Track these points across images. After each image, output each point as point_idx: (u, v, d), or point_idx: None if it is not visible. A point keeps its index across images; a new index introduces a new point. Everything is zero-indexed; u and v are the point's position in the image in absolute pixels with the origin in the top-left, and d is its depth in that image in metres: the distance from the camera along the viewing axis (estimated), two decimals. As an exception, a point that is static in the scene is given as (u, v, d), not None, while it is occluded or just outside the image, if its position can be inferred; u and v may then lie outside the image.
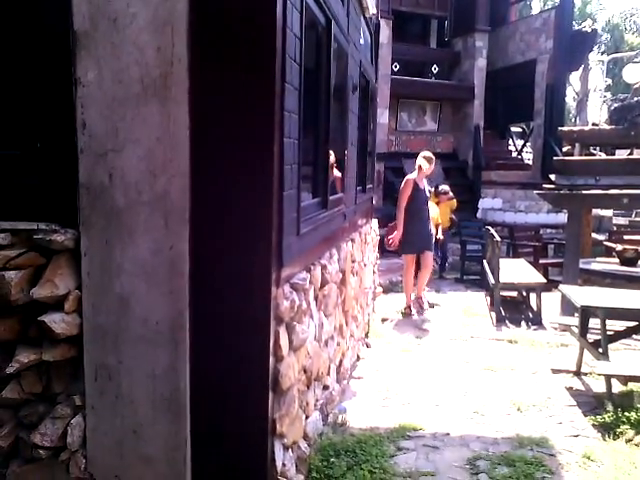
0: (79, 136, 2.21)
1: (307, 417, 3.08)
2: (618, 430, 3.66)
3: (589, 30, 13.64)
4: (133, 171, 2.21)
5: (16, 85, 2.31)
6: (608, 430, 3.72)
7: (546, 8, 19.34)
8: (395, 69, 13.72)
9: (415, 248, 6.92)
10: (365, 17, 5.45)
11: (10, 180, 2.30)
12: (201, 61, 2.20)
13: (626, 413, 3.81)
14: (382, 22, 9.01)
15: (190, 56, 2.18)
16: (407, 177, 7.01)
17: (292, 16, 2.43)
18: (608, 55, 22.63)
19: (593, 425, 3.85)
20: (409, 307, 7.00)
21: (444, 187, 9.48)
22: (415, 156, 7.24)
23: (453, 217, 9.79)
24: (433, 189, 8.85)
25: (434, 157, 7.03)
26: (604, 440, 3.61)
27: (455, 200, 9.70)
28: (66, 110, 2.21)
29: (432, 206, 7.90)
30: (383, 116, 12.60)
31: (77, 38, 2.16)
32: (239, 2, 2.20)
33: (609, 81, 20.55)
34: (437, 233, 8.06)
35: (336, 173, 4.24)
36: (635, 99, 7.36)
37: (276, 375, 2.42)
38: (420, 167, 6.89)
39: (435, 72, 15.09)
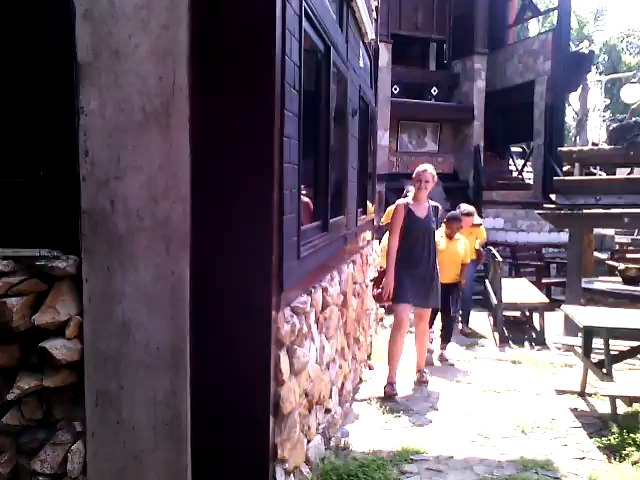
0: (81, 164, 2.24)
1: (309, 441, 3.06)
2: (624, 452, 3.63)
3: (586, 51, 13.85)
4: (135, 198, 2.24)
5: (20, 114, 2.35)
6: (614, 452, 3.68)
7: (543, 30, 19.56)
8: (395, 92, 13.87)
9: (407, 297, 4.89)
10: (364, 42, 5.54)
11: (13, 207, 2.33)
12: (201, 89, 2.24)
13: (631, 434, 3.77)
14: (381, 46, 9.15)
15: (191, 84, 2.22)
16: (397, 202, 5.11)
17: (291, 45, 2.48)
18: (606, 75, 22.84)
19: (598, 447, 3.81)
20: (391, 384, 4.87)
21: (467, 207, 6.85)
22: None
23: (481, 250, 7.20)
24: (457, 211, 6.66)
25: (432, 171, 4.99)
26: (610, 462, 3.57)
27: (483, 228, 7.19)
28: (69, 138, 2.24)
29: (460, 239, 6.19)
30: (384, 138, 12.72)
31: (80, 68, 2.21)
32: (238, 32, 2.25)
33: (608, 101, 20.72)
34: (461, 274, 6.10)
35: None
36: (633, 119, 7.43)
37: (277, 400, 2.42)
38: (418, 187, 4.93)
39: (435, 94, 15.24)
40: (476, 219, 7.03)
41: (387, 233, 5.39)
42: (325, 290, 3.45)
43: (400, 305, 4.91)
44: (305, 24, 2.75)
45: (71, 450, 2.26)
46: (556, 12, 14.52)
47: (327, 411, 3.61)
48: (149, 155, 2.22)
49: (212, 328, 2.31)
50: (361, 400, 4.70)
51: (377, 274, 5.20)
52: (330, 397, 3.69)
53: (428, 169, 4.97)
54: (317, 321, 3.29)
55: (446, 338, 6.14)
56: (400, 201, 5.08)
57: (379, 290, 4.90)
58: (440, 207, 5.24)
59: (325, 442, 3.47)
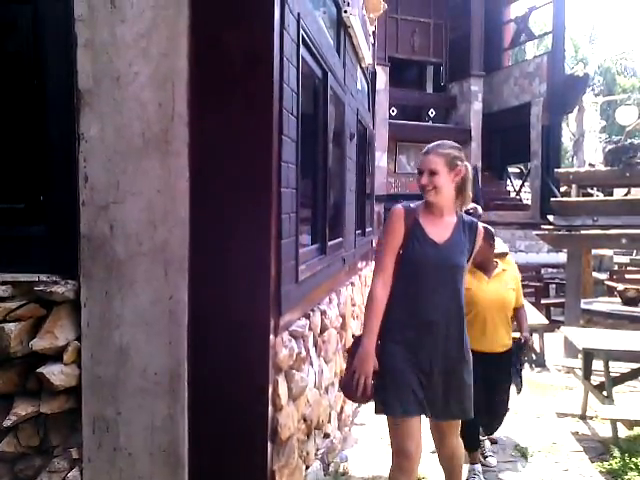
0: (81, 189, 2.26)
1: (307, 467, 3.03)
2: (626, 477, 3.58)
3: (581, 74, 14.01)
4: (134, 222, 2.25)
5: (22, 140, 2.37)
6: (616, 477, 3.64)
7: (539, 53, 19.84)
8: (393, 114, 14.03)
9: (401, 403, 2.37)
10: (361, 66, 5.61)
11: (14, 232, 2.34)
12: (200, 116, 2.27)
13: (633, 459, 3.73)
14: (379, 69, 9.28)
15: (190, 111, 2.25)
16: (394, 207, 2.54)
17: (289, 72, 2.52)
18: (602, 97, 23.10)
19: (600, 472, 3.77)
20: None
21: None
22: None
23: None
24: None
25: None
26: (612, 487, 3.54)
27: (512, 259, 3.98)
28: (69, 164, 2.27)
29: (506, 269, 3.65)
30: (382, 159, 12.81)
31: (81, 96, 2.24)
32: (237, 60, 2.28)
33: (604, 122, 20.93)
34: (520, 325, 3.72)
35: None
36: (629, 141, 7.51)
37: (275, 425, 2.40)
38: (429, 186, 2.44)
39: (432, 116, 15.41)
40: (500, 245, 3.76)
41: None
42: (324, 313, 3.44)
43: (396, 420, 2.41)
44: (303, 51, 2.79)
45: (67, 478, 2.24)
46: (551, 36, 14.75)
47: (326, 436, 3.57)
48: (148, 180, 2.25)
49: (210, 353, 2.30)
50: (360, 424, 4.66)
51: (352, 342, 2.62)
52: (329, 422, 3.66)
53: (444, 146, 2.49)
54: (316, 344, 3.28)
55: (494, 426, 3.88)
56: (399, 206, 2.53)
57: (352, 374, 2.42)
58: (480, 224, 2.67)
59: (324, 467, 3.43)
